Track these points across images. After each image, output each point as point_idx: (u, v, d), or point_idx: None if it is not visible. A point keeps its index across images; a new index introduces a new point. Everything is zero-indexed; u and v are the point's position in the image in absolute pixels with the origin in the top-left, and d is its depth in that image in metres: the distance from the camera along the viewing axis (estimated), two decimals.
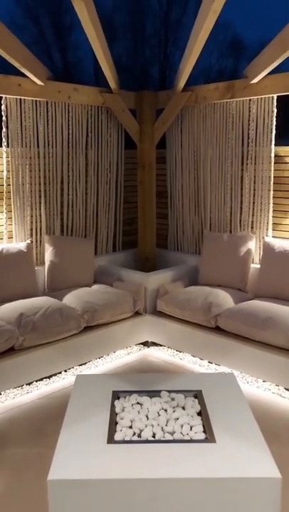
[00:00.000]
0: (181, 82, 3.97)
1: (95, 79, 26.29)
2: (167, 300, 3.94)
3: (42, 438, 2.79)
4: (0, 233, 3.93)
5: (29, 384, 3.36)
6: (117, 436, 2.25)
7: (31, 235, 4.10)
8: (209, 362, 3.67)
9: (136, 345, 4.05)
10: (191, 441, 2.22)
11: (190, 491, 1.99)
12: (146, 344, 4.10)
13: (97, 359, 3.76)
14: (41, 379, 3.42)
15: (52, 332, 3.39)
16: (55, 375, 3.49)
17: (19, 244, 3.85)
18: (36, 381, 3.39)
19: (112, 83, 3.96)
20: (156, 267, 4.66)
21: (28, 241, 3.94)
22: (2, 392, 3.22)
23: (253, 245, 4.05)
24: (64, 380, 3.52)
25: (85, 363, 3.67)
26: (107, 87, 4.16)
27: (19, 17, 26.71)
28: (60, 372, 3.53)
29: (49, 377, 3.46)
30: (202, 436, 2.26)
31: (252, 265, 4.05)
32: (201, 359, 3.73)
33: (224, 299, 3.75)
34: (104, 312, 3.70)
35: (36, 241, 4.13)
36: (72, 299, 3.77)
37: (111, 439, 2.22)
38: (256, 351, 3.32)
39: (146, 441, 2.21)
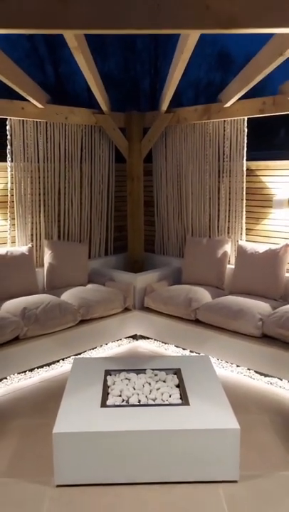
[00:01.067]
0: (164, 105, 4.51)
1: (87, 91, 26.98)
2: (153, 297, 4.44)
3: (44, 412, 3.25)
4: (4, 238, 4.41)
5: (31, 370, 3.81)
6: (109, 402, 2.74)
7: (32, 240, 4.59)
8: (190, 351, 4.15)
9: (126, 338, 4.52)
10: (169, 404, 2.71)
11: (167, 440, 2.47)
12: (135, 337, 4.58)
13: (91, 350, 4.22)
14: (42, 366, 3.88)
15: (52, 324, 3.86)
16: (53, 363, 3.95)
17: (21, 248, 4.34)
18: (37, 368, 3.85)
19: (104, 106, 4.49)
20: (144, 268, 5.15)
21: (29, 245, 4.43)
22: (8, 377, 3.68)
23: (228, 248, 4.58)
24: (62, 368, 3.98)
25: (80, 353, 4.13)
26: (99, 109, 4.69)
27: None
28: (58, 361, 3.98)
29: (48, 364, 3.92)
30: (178, 401, 2.75)
31: (228, 266, 4.57)
32: (183, 349, 4.21)
33: (203, 295, 4.26)
34: (97, 307, 4.18)
35: (36, 245, 4.62)
36: (69, 295, 4.26)
37: (104, 404, 2.71)
38: (230, 339, 3.82)
39: (133, 405, 2.70)
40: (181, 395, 2.83)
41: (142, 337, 4.56)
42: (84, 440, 2.46)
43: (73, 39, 2.66)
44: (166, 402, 2.74)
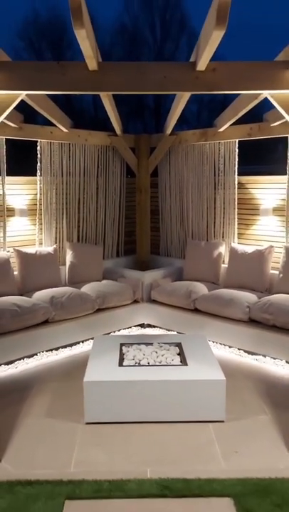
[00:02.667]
0: (168, 130, 5.34)
1: (94, 107, 28.00)
2: (159, 291, 5.23)
3: (71, 378, 4.02)
4: (33, 240, 5.23)
5: (57, 349, 4.59)
6: (124, 363, 3.52)
7: (56, 242, 5.40)
8: None
9: (135, 326, 5.29)
10: (171, 365, 3.49)
11: (169, 388, 3.25)
12: (142, 325, 5.35)
13: (106, 335, 4.99)
14: (65, 346, 4.65)
15: (74, 310, 4.65)
16: (75, 344, 4.73)
17: (48, 248, 5.15)
18: (62, 348, 4.62)
19: (118, 130, 5.33)
20: (150, 267, 5.94)
21: (54, 246, 5.24)
22: (38, 353, 4.45)
23: (223, 249, 5.38)
24: (82, 348, 4.75)
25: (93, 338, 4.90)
26: (113, 132, 5.52)
27: (22, 51, 28.52)
28: (78, 343, 4.76)
29: (70, 345, 4.70)
30: (179, 363, 3.53)
31: (222, 264, 5.36)
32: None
33: (201, 288, 5.04)
34: (111, 298, 4.98)
35: (59, 246, 5.43)
36: (87, 288, 5.05)
37: (121, 364, 3.50)
38: (223, 324, 4.59)
39: (143, 365, 3.49)
40: (181, 359, 3.61)
41: (149, 325, 5.33)
42: (106, 387, 3.25)
43: (105, 94, 3.50)
44: (169, 363, 3.52)
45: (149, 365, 3.51)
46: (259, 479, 2.64)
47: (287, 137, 4.66)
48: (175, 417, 3.28)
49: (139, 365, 3.51)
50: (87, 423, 3.26)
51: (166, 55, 30.28)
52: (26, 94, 2.73)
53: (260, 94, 2.81)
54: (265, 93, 2.53)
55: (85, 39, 2.07)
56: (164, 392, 3.27)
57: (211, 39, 1.99)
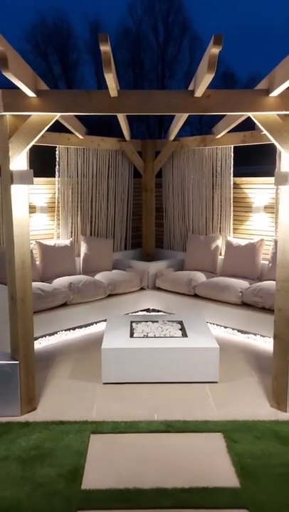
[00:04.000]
0: (171, 137, 6.01)
1: None
2: (163, 279, 5.89)
3: (88, 350, 4.69)
4: (52, 233, 5.91)
5: (74, 329, 5.26)
6: (135, 335, 4.20)
7: (72, 236, 6.07)
8: None
9: (141, 310, 5.96)
10: (174, 336, 4.16)
11: (173, 354, 3.92)
12: (148, 310, 6.01)
13: (117, 315, 5.66)
14: (80, 327, 5.32)
15: (89, 295, 5.31)
16: (89, 324, 5.40)
17: (65, 241, 5.83)
18: (78, 328, 5.29)
19: (127, 136, 5.99)
20: (155, 259, 6.60)
21: (70, 239, 5.92)
22: (58, 332, 5.13)
23: (220, 243, 6.04)
24: (96, 328, 5.42)
25: (106, 320, 5.57)
26: (122, 137, 6.18)
27: (29, 53, 29.18)
28: (92, 324, 5.43)
29: (86, 326, 5.37)
30: (180, 335, 4.21)
31: (219, 256, 6.02)
32: None
33: (200, 276, 5.71)
34: (121, 285, 5.64)
35: (75, 239, 6.10)
36: (100, 276, 5.72)
37: (132, 336, 4.17)
38: (219, 307, 5.25)
39: (150, 337, 4.16)
40: (182, 332, 4.28)
41: (154, 310, 5.99)
42: (120, 354, 3.92)
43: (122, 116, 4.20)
44: (172, 336, 4.20)
45: (155, 337, 4.18)
46: (244, 421, 3.31)
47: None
48: (177, 378, 3.95)
49: (147, 336, 4.19)
50: (104, 383, 3.93)
51: (168, 57, 30.95)
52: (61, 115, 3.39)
53: (244, 114, 3.47)
54: (249, 114, 3.19)
55: (111, 78, 2.73)
56: (168, 358, 3.94)
57: (204, 79, 2.66)
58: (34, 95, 3.05)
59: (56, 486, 2.61)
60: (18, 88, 2.93)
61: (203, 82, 2.74)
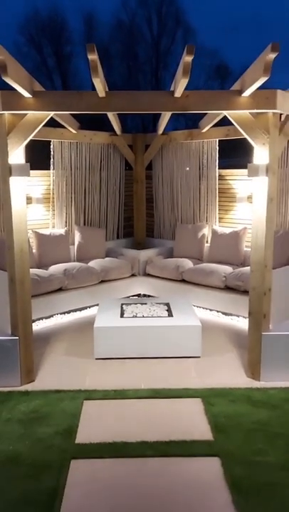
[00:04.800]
0: (160, 131, 6.33)
1: None
2: (152, 266, 6.25)
3: (81, 331, 5.06)
4: (47, 223, 6.25)
5: (68, 313, 5.62)
6: (125, 316, 4.56)
7: (66, 225, 6.41)
8: None
9: (132, 296, 6.32)
10: (161, 316, 4.54)
11: (159, 332, 4.30)
12: (139, 295, 6.37)
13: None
14: (75, 310, 5.69)
15: (83, 280, 5.67)
16: (83, 308, 5.76)
17: (60, 230, 6.17)
18: (73, 311, 5.65)
19: (118, 131, 6.31)
20: (145, 247, 6.95)
21: (65, 229, 6.26)
22: (54, 315, 5.49)
23: (206, 231, 6.39)
24: (89, 312, 5.78)
25: (98, 305, 5.93)
26: (113, 131, 6.50)
27: (23, 45, 29.24)
28: (85, 308, 5.79)
29: (80, 310, 5.73)
30: (166, 315, 4.58)
31: (206, 244, 6.39)
32: None
33: (187, 263, 6.07)
34: (113, 272, 6.00)
35: (69, 229, 6.44)
36: (93, 264, 6.07)
37: (122, 316, 4.54)
38: (204, 291, 5.62)
39: (139, 317, 4.53)
40: (168, 313, 4.66)
41: (144, 295, 6.35)
42: (111, 332, 4.29)
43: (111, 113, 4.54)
44: (159, 316, 4.57)
45: (143, 316, 4.56)
46: (222, 388, 3.70)
47: None
48: (163, 353, 4.33)
49: (136, 316, 4.56)
50: (97, 358, 4.30)
51: (162, 49, 31.08)
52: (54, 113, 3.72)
53: (220, 112, 3.82)
54: (224, 112, 3.53)
55: (98, 82, 3.06)
56: (155, 335, 4.32)
57: (181, 82, 3.00)
58: (30, 96, 3.38)
59: (53, 441, 2.99)
60: (15, 89, 3.26)
61: (180, 84, 3.08)
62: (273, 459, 2.78)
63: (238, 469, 2.69)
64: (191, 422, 3.23)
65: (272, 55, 2.73)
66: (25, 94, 3.32)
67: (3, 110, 3.40)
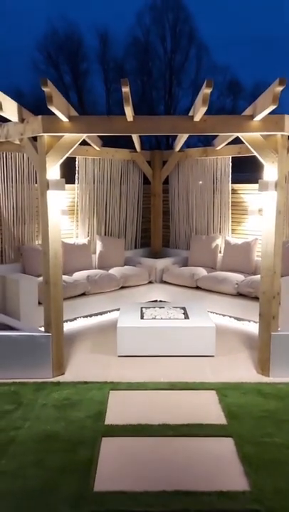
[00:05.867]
0: (177, 148, 6.80)
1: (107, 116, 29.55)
2: (169, 274, 6.67)
3: (104, 332, 5.47)
4: (72, 233, 6.72)
5: (91, 316, 6.05)
6: (145, 317, 4.98)
7: (88, 235, 6.88)
8: None
9: (149, 301, 6.72)
10: (178, 318, 4.94)
11: (177, 332, 4.70)
12: (156, 301, 6.78)
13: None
14: (96, 314, 6.11)
15: (104, 286, 6.10)
16: (104, 312, 6.18)
17: (83, 240, 6.63)
18: (94, 315, 6.08)
19: (138, 148, 6.79)
20: (162, 257, 7.36)
21: (88, 238, 6.72)
22: (78, 318, 5.91)
23: (219, 242, 6.80)
24: (110, 316, 6.20)
25: (119, 309, 6.35)
26: (134, 149, 6.98)
27: (41, 63, 30.33)
28: (106, 312, 6.21)
29: (101, 314, 6.15)
30: (183, 317, 4.98)
31: (219, 254, 6.79)
32: None
33: (201, 271, 6.48)
34: (132, 279, 6.43)
35: (91, 238, 6.90)
36: (113, 271, 6.51)
37: (142, 318, 4.95)
38: (217, 297, 6.01)
39: (158, 319, 4.94)
40: (184, 316, 5.06)
41: (161, 301, 6.76)
42: (132, 331, 4.70)
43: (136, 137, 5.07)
44: (176, 318, 4.97)
45: (162, 318, 4.96)
46: (234, 383, 4.08)
47: None
48: (180, 352, 4.72)
49: (155, 318, 4.97)
50: (119, 356, 4.71)
51: (176, 66, 31.87)
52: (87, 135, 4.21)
53: (234, 134, 4.26)
54: (237, 134, 3.97)
55: (129, 110, 3.54)
56: (172, 335, 4.72)
57: (200, 110, 3.46)
58: (67, 120, 3.86)
59: (85, 423, 3.39)
60: (53, 114, 3.74)
61: (199, 111, 3.54)
62: (280, 440, 3.15)
63: (248, 448, 3.06)
64: (207, 409, 3.61)
65: (280, 88, 3.17)
66: (64, 118, 3.80)
67: (43, 133, 3.88)
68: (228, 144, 6.24)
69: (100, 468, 2.86)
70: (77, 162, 6.62)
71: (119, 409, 3.61)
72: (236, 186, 6.73)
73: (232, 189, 6.74)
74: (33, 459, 2.95)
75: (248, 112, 3.92)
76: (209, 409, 3.62)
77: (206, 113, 3.72)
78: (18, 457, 2.97)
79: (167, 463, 2.94)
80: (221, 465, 2.90)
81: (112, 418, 3.47)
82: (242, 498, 2.58)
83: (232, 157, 6.64)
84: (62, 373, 4.29)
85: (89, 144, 6.32)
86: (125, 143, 6.76)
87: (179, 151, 6.99)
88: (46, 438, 3.20)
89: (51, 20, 30.46)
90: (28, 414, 3.52)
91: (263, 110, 3.58)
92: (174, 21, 32.25)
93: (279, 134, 3.89)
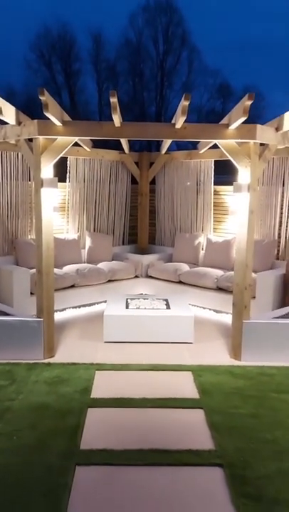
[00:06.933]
0: (163, 151, 7.22)
1: (99, 117, 29.93)
2: (154, 269, 7.09)
3: (91, 321, 5.87)
4: (62, 229, 7.10)
5: (79, 307, 6.44)
6: (129, 307, 5.39)
7: (78, 231, 7.27)
8: None
9: (135, 294, 7.12)
10: (160, 309, 5.36)
11: (158, 321, 5.12)
12: (141, 294, 7.18)
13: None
14: (84, 306, 6.50)
15: (92, 279, 6.50)
16: (93, 304, 6.58)
17: (73, 235, 7.02)
18: (83, 306, 6.47)
19: (126, 149, 7.19)
20: (148, 253, 7.77)
21: (77, 234, 7.11)
22: (67, 308, 6.30)
23: (202, 240, 7.24)
24: (98, 308, 6.59)
25: (106, 301, 6.75)
26: (122, 150, 7.38)
27: (34, 62, 30.56)
28: (94, 303, 6.60)
29: (89, 305, 6.54)
30: (165, 308, 5.40)
31: (201, 250, 7.23)
32: None
33: (184, 267, 6.90)
34: (119, 272, 6.83)
35: (81, 234, 7.29)
36: (101, 265, 6.91)
37: (127, 307, 5.37)
38: (198, 291, 6.44)
39: (142, 308, 5.35)
40: (166, 306, 5.48)
41: (146, 294, 7.16)
42: (117, 319, 5.11)
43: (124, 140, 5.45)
44: (159, 308, 5.39)
45: (145, 308, 5.38)
46: (209, 365, 4.51)
47: None
48: (161, 339, 5.14)
49: (139, 308, 5.38)
50: (105, 342, 5.12)
51: (167, 68, 32.34)
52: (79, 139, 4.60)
53: (212, 140, 4.70)
54: (215, 141, 4.40)
55: (116, 118, 3.95)
56: (154, 323, 5.14)
57: (179, 120, 3.88)
58: (60, 124, 4.25)
59: (73, 396, 3.79)
60: (48, 119, 4.13)
61: (179, 120, 3.96)
62: (244, 411, 3.59)
63: (216, 417, 3.49)
64: (183, 387, 4.03)
65: (249, 102, 3.60)
66: (57, 123, 4.19)
67: (38, 135, 4.27)
68: (211, 147, 6.68)
69: (85, 432, 3.27)
70: (68, 162, 7.01)
71: (104, 386, 4.02)
72: (218, 188, 7.17)
73: (214, 190, 7.18)
74: (26, 424, 3.34)
75: (224, 120, 4.35)
76: (185, 386, 4.04)
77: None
78: (14, 422, 3.37)
79: (145, 429, 3.36)
80: (191, 430, 3.33)
81: (97, 393, 3.88)
82: (207, 455, 3.01)
83: (214, 160, 7.08)
84: (53, 356, 4.68)
85: (80, 145, 6.71)
86: (114, 144, 7.15)
87: (165, 153, 7.41)
88: (38, 408, 3.60)
89: (44, 20, 30.67)
90: (21, 388, 3.92)
91: (236, 120, 4.01)
92: (166, 24, 32.74)
93: (252, 141, 4.33)
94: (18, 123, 4.43)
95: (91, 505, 2.55)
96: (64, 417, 3.45)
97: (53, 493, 2.61)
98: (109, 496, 2.63)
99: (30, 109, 4.24)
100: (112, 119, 4.15)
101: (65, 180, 7.04)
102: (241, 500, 2.57)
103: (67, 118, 4.37)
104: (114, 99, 3.67)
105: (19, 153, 6.29)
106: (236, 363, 4.62)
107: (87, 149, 6.89)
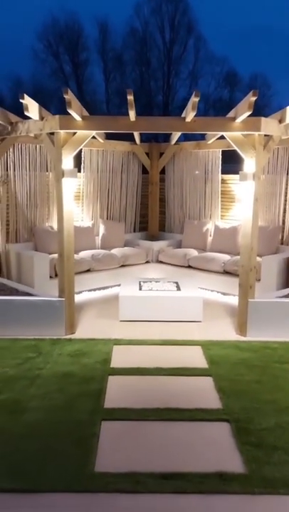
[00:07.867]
0: (173, 141, 7.56)
1: (106, 106, 30.14)
2: (164, 254, 7.47)
3: (107, 302, 6.28)
4: (77, 217, 7.50)
5: (95, 290, 6.85)
6: (143, 289, 5.79)
7: (92, 219, 7.66)
8: None
9: (147, 278, 7.52)
10: (171, 290, 5.76)
11: (170, 301, 5.52)
12: (153, 278, 7.58)
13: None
14: (99, 289, 6.91)
15: (107, 264, 6.90)
16: (107, 288, 6.98)
17: (87, 223, 7.41)
18: (98, 289, 6.88)
19: (137, 141, 7.54)
20: (158, 239, 8.16)
21: (92, 222, 7.50)
22: (83, 291, 6.71)
23: (210, 226, 7.60)
24: (111, 291, 7.00)
25: (119, 285, 7.16)
26: (134, 142, 7.72)
27: (41, 52, 30.74)
28: (108, 287, 7.01)
29: (104, 288, 6.95)
30: (175, 289, 5.80)
31: (209, 237, 7.60)
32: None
33: (193, 252, 7.29)
34: (131, 258, 7.23)
35: (95, 222, 7.68)
36: (115, 251, 7.31)
37: (140, 289, 5.77)
38: (207, 275, 6.82)
39: (154, 290, 5.75)
40: (177, 288, 5.88)
41: (158, 278, 7.56)
42: (132, 300, 5.52)
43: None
44: (170, 289, 5.79)
45: (157, 290, 5.78)
46: (217, 340, 4.91)
47: None
48: (173, 318, 5.55)
49: (151, 290, 5.79)
50: (121, 320, 5.54)
51: (174, 56, 32.35)
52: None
53: (219, 133, 5.04)
54: (222, 133, 4.75)
55: (133, 114, 4.31)
56: (166, 303, 5.54)
57: (190, 113, 4.23)
58: (80, 119, 4.62)
59: (95, 366, 4.22)
60: (68, 114, 4.50)
61: (189, 115, 4.32)
62: (249, 378, 3.99)
63: (224, 383, 3.90)
64: (193, 358, 4.45)
65: (253, 98, 3.94)
66: (77, 118, 4.56)
67: (60, 129, 4.65)
68: (218, 138, 7.01)
69: (108, 395, 3.69)
70: (83, 153, 7.37)
71: (122, 358, 4.44)
72: (225, 177, 7.51)
73: (221, 179, 7.52)
74: (55, 388, 3.78)
75: (231, 114, 4.70)
76: (195, 358, 4.46)
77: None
78: (44, 387, 3.81)
79: (160, 392, 3.77)
80: (201, 393, 3.74)
81: (116, 363, 4.30)
82: (215, 412, 3.43)
83: (222, 150, 7.41)
84: (73, 332, 5.11)
85: (94, 137, 7.06)
86: (126, 136, 7.49)
87: (175, 144, 7.75)
88: (64, 375, 4.03)
89: (52, 10, 30.79)
90: (47, 359, 4.35)
91: (242, 114, 4.36)
92: (172, 12, 32.67)
93: (256, 133, 4.67)
94: (41, 118, 4.81)
95: (117, 450, 2.98)
96: (88, 383, 3.88)
97: (84, 441, 3.04)
98: (132, 443, 3.06)
99: (37, 98, 4.46)
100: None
101: (79, 171, 7.41)
102: (245, 447, 2.98)
103: (85, 113, 4.74)
104: (130, 97, 4.04)
105: (37, 146, 6.67)
106: (242, 338, 5.01)
107: (101, 141, 7.25)
